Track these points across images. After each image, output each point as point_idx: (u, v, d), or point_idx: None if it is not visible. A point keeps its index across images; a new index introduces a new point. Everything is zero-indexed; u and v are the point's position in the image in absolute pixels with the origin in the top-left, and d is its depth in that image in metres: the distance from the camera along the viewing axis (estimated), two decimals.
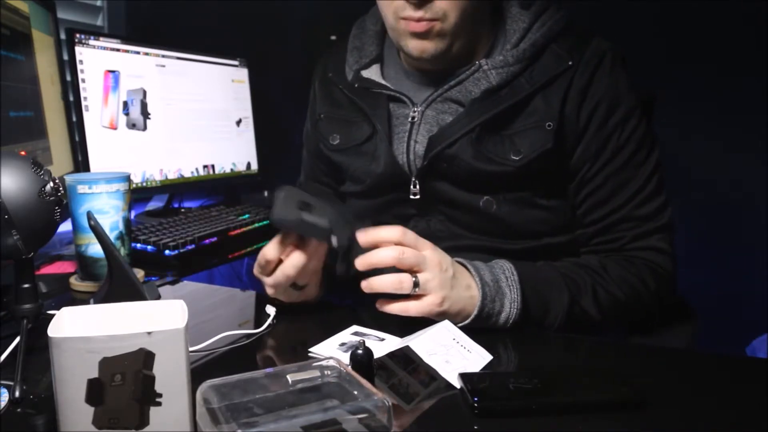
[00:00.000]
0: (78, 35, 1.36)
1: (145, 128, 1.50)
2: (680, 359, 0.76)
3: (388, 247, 0.75)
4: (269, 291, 0.83)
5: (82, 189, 0.94)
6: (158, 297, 0.79)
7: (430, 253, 0.76)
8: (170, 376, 0.50)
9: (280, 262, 0.80)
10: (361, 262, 0.75)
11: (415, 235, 0.77)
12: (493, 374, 0.66)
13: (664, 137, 1.01)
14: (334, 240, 0.76)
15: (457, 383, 0.63)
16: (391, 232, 0.76)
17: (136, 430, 0.49)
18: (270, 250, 0.80)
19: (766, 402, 0.61)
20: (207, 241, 1.26)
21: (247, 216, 1.45)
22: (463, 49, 0.91)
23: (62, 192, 0.69)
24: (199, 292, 1.02)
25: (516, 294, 0.79)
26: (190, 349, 0.61)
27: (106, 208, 0.95)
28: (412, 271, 0.75)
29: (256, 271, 0.83)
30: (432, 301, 0.75)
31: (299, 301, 0.85)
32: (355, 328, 0.79)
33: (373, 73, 1.00)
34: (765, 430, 0.56)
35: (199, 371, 0.64)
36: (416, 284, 0.74)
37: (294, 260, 0.79)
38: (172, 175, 1.57)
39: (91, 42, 1.39)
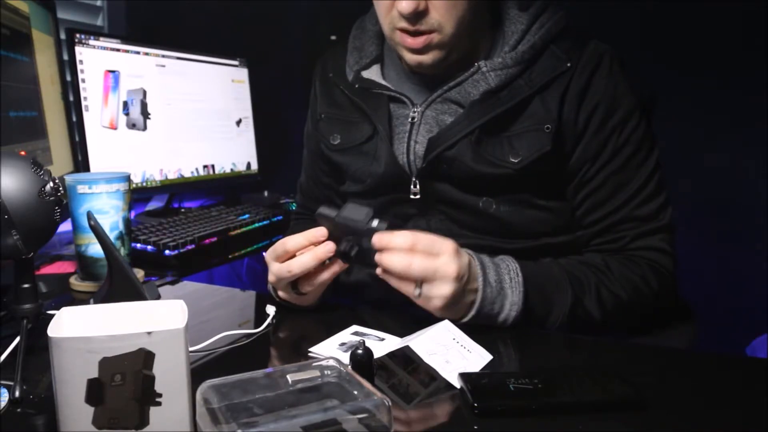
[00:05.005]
0: (78, 35, 1.36)
1: (145, 128, 1.50)
2: (680, 359, 0.76)
3: (399, 255, 0.73)
4: (270, 278, 0.83)
5: (82, 189, 0.94)
6: (158, 297, 0.79)
7: (446, 262, 0.73)
8: (170, 376, 0.50)
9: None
10: (377, 262, 0.75)
11: (430, 241, 0.74)
12: (493, 374, 0.66)
13: (665, 138, 1.01)
14: (365, 240, 0.76)
15: (457, 383, 0.63)
16: (401, 240, 0.73)
17: (136, 430, 0.49)
18: (293, 240, 0.79)
19: (766, 402, 0.61)
20: (207, 241, 1.26)
21: (247, 216, 1.45)
22: (462, 54, 0.91)
23: (62, 192, 0.69)
24: (199, 292, 1.02)
25: (518, 297, 0.78)
26: (190, 349, 0.61)
27: (106, 208, 0.95)
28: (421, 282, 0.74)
29: (268, 254, 0.82)
30: (432, 307, 0.75)
31: (295, 302, 0.85)
32: (355, 328, 0.78)
33: (373, 73, 1.00)
34: (765, 430, 0.56)
35: (199, 371, 0.64)
36: (419, 294, 0.73)
37: (303, 259, 0.78)
38: (172, 175, 1.57)
39: (91, 42, 1.39)
